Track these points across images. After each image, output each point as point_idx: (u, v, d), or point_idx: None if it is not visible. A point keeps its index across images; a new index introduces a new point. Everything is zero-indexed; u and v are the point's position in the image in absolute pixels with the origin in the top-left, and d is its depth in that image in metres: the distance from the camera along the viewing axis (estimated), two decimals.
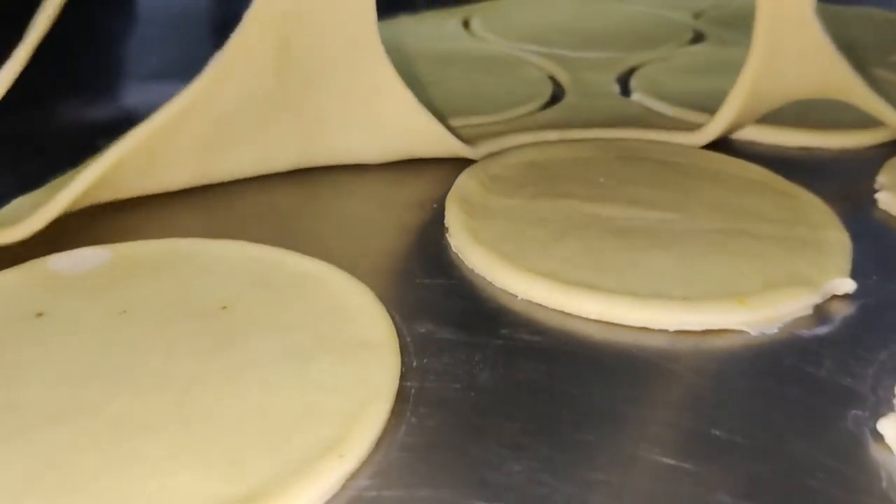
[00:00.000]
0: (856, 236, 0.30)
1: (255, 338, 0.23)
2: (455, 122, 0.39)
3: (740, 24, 0.55)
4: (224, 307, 0.25)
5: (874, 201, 0.33)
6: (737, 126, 0.38)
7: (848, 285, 0.27)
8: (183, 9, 0.61)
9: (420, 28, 0.55)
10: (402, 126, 0.34)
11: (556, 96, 0.44)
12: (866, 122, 0.39)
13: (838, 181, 0.35)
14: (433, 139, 0.35)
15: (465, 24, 0.57)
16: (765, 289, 0.26)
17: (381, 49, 0.33)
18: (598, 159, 0.35)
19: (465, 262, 0.28)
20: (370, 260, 0.28)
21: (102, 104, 0.45)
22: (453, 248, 0.29)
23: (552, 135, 0.38)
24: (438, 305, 0.26)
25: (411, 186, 0.34)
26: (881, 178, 0.34)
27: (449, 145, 0.35)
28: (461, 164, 0.34)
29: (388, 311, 0.25)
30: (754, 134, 0.39)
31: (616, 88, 0.45)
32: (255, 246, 0.28)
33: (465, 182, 0.32)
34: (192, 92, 0.30)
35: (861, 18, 0.59)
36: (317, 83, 0.33)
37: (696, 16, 0.59)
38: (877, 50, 0.51)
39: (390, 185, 0.34)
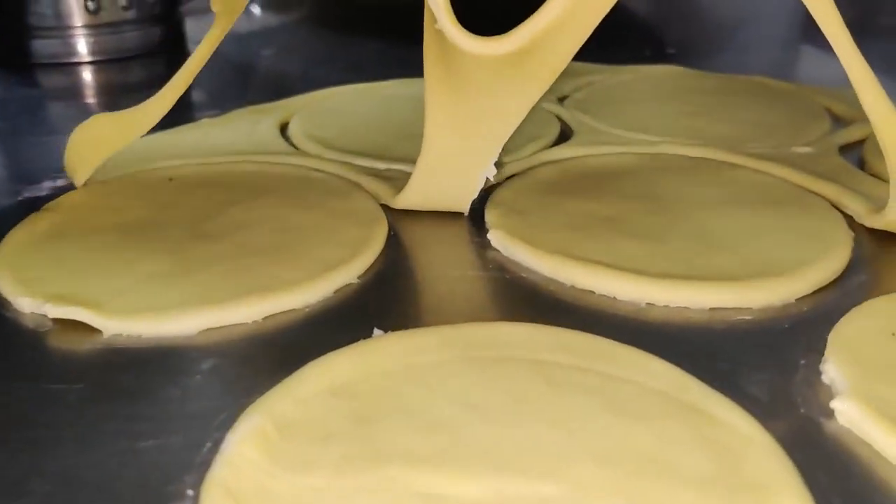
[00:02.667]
0: (813, 485, 0.20)
1: None
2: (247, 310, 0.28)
3: (608, 112, 0.47)
4: None
5: (829, 412, 0.23)
6: None
7: None
8: None
9: (221, 134, 0.43)
10: None
11: (396, 241, 0.33)
12: (793, 259, 0.30)
13: (771, 372, 0.26)
14: None
15: (283, 126, 0.46)
16: None
17: None
18: (446, 363, 0.25)
19: None
20: None
21: None
22: None
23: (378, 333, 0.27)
24: None
25: None
26: (832, 370, 0.25)
27: None
28: None
29: None
30: (645, 290, 0.29)
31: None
32: None
33: None
34: None
35: (757, 89, 0.51)
36: None
37: (561, 99, 0.50)
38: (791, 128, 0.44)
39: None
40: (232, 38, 0.75)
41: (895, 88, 0.34)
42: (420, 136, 0.43)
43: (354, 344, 0.25)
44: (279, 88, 0.53)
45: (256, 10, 0.84)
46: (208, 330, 0.27)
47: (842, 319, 0.27)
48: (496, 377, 0.24)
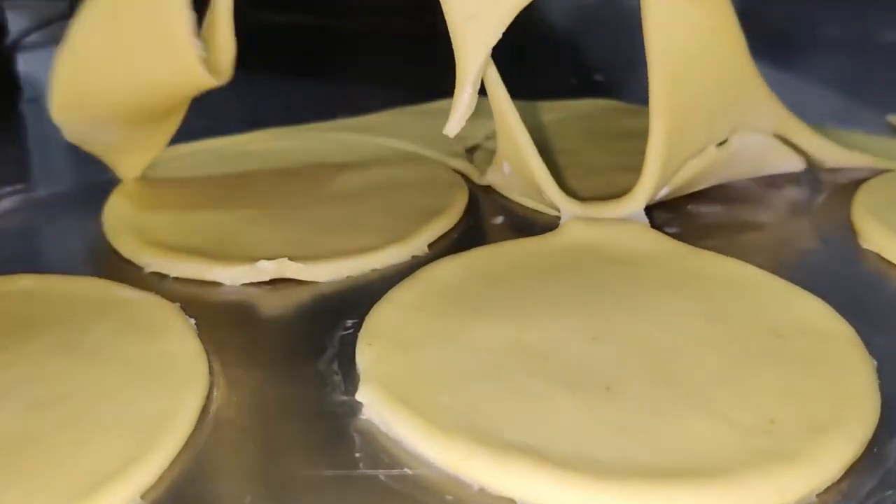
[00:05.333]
0: None
1: None
2: None
3: None
4: None
5: None
6: None
7: None
8: None
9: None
10: None
11: (218, 412, 0.22)
12: (801, 419, 0.20)
13: None
14: None
15: None
16: None
17: None
18: None
19: None
20: None
21: None
22: None
23: None
24: None
25: None
26: None
27: None
28: None
29: None
30: (595, 501, 0.19)
31: (335, 373, 0.24)
32: None
33: None
34: None
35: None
36: None
37: (470, 150, 0.40)
38: None
39: None
40: None
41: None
42: (281, 215, 0.33)
43: None
44: None
45: None
46: None
47: None
48: None
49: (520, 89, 0.48)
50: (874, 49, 0.62)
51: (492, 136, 0.41)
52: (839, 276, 0.29)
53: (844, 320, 0.25)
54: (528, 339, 0.24)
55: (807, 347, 0.24)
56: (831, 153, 0.35)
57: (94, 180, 0.37)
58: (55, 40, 0.69)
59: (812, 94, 0.50)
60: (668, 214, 0.33)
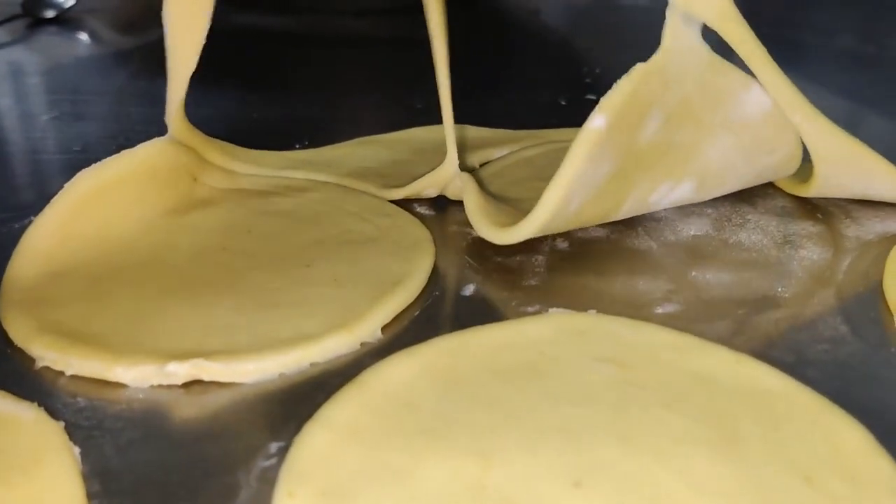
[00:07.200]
0: None
1: None
2: None
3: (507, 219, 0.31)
4: None
5: None
6: None
7: None
8: None
9: None
10: None
11: None
12: None
13: None
14: None
15: None
16: None
17: None
18: None
19: None
20: None
21: None
22: None
23: None
24: None
25: None
26: None
27: None
28: None
29: None
30: None
31: None
32: None
33: None
34: None
35: None
36: None
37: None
38: None
39: None
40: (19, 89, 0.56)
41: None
42: (206, 288, 0.27)
43: None
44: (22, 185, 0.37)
45: (84, 37, 0.65)
46: None
47: None
48: None
49: (495, 110, 0.43)
50: (888, 60, 0.57)
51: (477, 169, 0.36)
52: (875, 380, 0.24)
53: (888, 455, 0.20)
54: (494, 483, 0.19)
55: (842, 500, 0.19)
56: (797, 107, 0.31)
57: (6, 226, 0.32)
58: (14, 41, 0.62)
59: (823, 103, 0.45)
60: (668, 286, 0.28)
